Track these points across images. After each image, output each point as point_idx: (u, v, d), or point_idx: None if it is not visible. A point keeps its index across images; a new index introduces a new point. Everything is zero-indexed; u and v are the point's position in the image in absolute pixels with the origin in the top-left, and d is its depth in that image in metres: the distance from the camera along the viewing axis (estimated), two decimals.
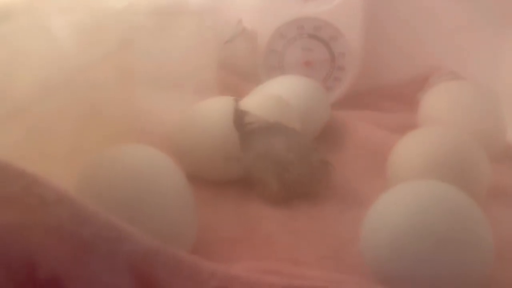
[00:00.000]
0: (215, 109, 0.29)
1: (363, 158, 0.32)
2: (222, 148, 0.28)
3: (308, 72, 0.38)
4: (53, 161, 0.22)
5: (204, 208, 0.25)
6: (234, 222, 0.26)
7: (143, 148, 0.23)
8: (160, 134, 0.30)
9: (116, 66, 0.29)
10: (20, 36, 0.22)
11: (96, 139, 0.26)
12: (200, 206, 0.24)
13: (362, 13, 0.38)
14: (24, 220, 0.15)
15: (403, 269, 0.19)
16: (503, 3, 0.40)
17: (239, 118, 0.28)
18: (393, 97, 0.41)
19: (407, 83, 0.42)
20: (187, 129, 0.30)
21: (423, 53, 0.42)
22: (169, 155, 0.24)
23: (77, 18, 0.26)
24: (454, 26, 0.41)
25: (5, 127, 0.20)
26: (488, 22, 0.41)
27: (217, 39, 0.39)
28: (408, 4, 0.42)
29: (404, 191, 0.21)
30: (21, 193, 0.16)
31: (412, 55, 0.42)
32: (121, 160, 0.22)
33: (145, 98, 0.32)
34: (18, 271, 0.14)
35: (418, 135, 0.27)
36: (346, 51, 0.39)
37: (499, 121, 0.32)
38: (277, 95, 0.31)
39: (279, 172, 0.27)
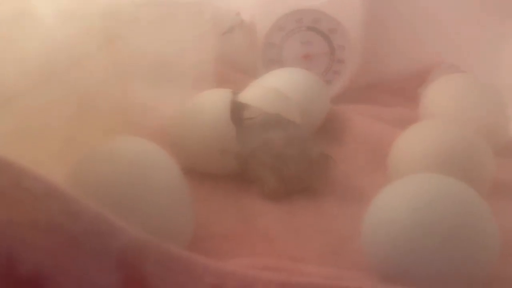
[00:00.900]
0: (211, 101, 0.29)
1: (363, 153, 0.32)
2: (219, 141, 0.27)
3: (307, 65, 0.38)
4: (44, 154, 0.21)
5: (200, 203, 0.24)
6: (231, 217, 0.25)
7: (138, 141, 0.22)
8: (156, 127, 0.30)
9: (110, 58, 0.29)
10: (9, 25, 0.21)
11: (89, 132, 0.25)
12: (196, 200, 0.23)
13: (362, 5, 0.38)
14: (10, 214, 0.14)
15: (406, 264, 0.18)
16: None
17: (236, 110, 0.28)
18: (394, 91, 0.41)
19: (408, 78, 0.41)
20: (183, 122, 0.29)
21: (424, 47, 0.41)
22: (165, 148, 0.23)
23: (69, 7, 0.25)
24: (455, 20, 0.41)
25: None
26: (490, 16, 0.40)
27: (214, 32, 0.39)
28: None
29: (407, 184, 0.20)
30: (7, 187, 0.15)
31: (412, 49, 0.41)
32: (115, 153, 0.21)
33: (140, 91, 0.31)
34: None
35: (420, 129, 0.26)
36: (345, 44, 0.38)
37: (502, 115, 0.31)
38: (276, 88, 0.30)
39: (278, 167, 0.27)
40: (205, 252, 0.19)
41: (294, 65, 0.37)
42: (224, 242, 0.23)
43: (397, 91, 0.41)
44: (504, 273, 0.21)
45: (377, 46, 0.40)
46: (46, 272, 0.14)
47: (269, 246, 0.23)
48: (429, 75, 0.39)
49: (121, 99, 0.29)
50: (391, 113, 0.36)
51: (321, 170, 0.27)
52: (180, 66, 0.34)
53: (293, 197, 0.27)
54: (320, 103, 0.33)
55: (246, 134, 0.27)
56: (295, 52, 0.38)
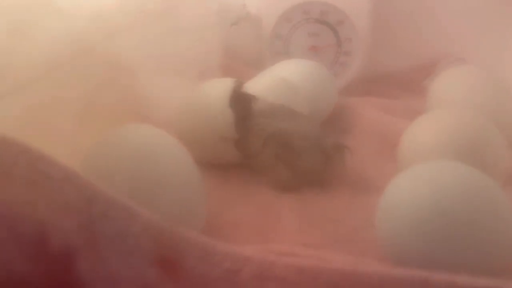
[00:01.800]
0: (213, 90, 0.29)
1: (371, 144, 0.31)
2: (220, 130, 0.27)
3: (314, 57, 0.38)
4: (56, 140, 0.21)
5: (210, 192, 0.24)
6: (242, 206, 0.25)
7: (149, 128, 0.22)
8: (163, 119, 0.29)
9: (120, 48, 0.29)
10: (23, 9, 0.21)
11: (99, 120, 0.25)
12: (208, 189, 0.23)
13: None
14: (30, 196, 0.14)
15: (422, 250, 0.18)
16: None
17: (237, 99, 0.28)
18: (400, 84, 0.41)
19: (414, 70, 0.41)
20: (189, 112, 0.29)
21: (430, 40, 0.41)
22: (175, 138, 0.23)
23: None
24: (462, 13, 0.41)
25: (6, 102, 0.20)
26: (496, 8, 0.40)
27: (221, 24, 0.38)
28: None
29: (424, 171, 0.20)
30: (25, 170, 0.15)
31: (419, 42, 0.41)
32: (127, 140, 0.21)
33: (148, 83, 0.31)
34: (29, 246, 0.13)
35: (431, 117, 0.26)
36: (353, 36, 0.38)
37: (509, 106, 0.31)
38: (284, 78, 0.30)
39: (290, 160, 0.26)
40: (219, 240, 0.18)
41: (301, 57, 0.37)
42: (236, 230, 0.23)
43: (404, 83, 0.41)
44: None
45: (384, 39, 0.40)
46: (73, 249, 0.14)
47: (281, 235, 0.23)
48: (435, 68, 0.39)
49: (130, 92, 0.29)
50: (398, 105, 0.36)
51: (335, 161, 0.27)
52: (186, 58, 0.34)
53: (304, 186, 0.27)
54: (328, 94, 0.33)
55: (252, 123, 0.27)
56: (302, 44, 0.38)
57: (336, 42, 0.38)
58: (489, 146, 0.24)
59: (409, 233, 0.19)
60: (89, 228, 0.15)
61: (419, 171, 0.20)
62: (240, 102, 0.28)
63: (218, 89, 0.29)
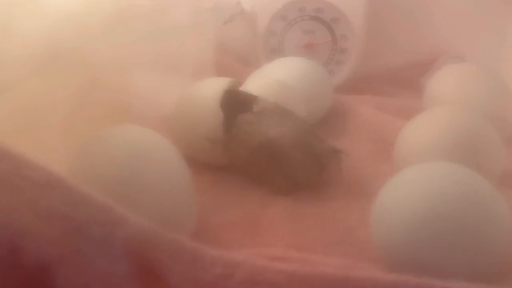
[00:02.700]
0: (206, 90, 0.28)
1: (367, 143, 0.31)
2: (211, 131, 0.27)
3: (309, 55, 0.37)
4: (43, 142, 0.20)
5: (203, 193, 0.24)
6: (234, 208, 0.25)
7: (139, 129, 0.22)
8: (156, 117, 0.29)
9: (110, 46, 0.28)
10: (8, 10, 0.21)
11: (88, 121, 0.24)
12: (200, 191, 0.23)
13: None
14: (12, 201, 0.14)
15: (417, 252, 0.18)
16: None
17: (229, 100, 0.27)
18: (397, 82, 0.40)
19: (411, 68, 0.41)
20: (180, 111, 0.29)
21: (427, 37, 0.41)
22: (167, 138, 0.23)
23: None
24: (458, 10, 0.40)
25: None
26: (494, 5, 0.40)
27: (215, 21, 0.38)
28: None
29: (418, 172, 0.19)
30: (8, 174, 0.15)
31: (415, 39, 0.41)
32: (116, 141, 0.21)
33: (140, 81, 0.30)
34: (1, 258, 0.12)
35: (428, 116, 0.26)
36: (348, 34, 0.37)
37: (507, 105, 0.31)
38: (280, 79, 0.29)
39: (284, 166, 0.26)
40: (209, 243, 0.18)
41: (296, 55, 0.36)
42: (228, 232, 0.23)
43: (400, 81, 0.40)
44: None
45: (380, 36, 0.40)
46: (50, 261, 0.13)
47: (274, 237, 0.23)
48: (432, 65, 0.39)
49: (121, 90, 0.29)
50: (394, 103, 0.36)
51: (331, 166, 0.26)
52: (180, 57, 0.34)
53: (297, 190, 0.26)
54: (324, 93, 0.33)
55: (244, 125, 0.26)
56: (297, 42, 0.38)
57: (331, 39, 0.38)
58: (485, 146, 0.24)
59: (403, 235, 0.18)
60: (74, 235, 0.15)
61: (414, 173, 0.20)
62: (233, 103, 0.27)
63: (211, 88, 0.28)
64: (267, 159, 0.26)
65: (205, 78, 0.31)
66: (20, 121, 0.20)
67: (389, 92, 0.39)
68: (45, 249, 0.13)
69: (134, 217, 0.16)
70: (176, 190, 0.21)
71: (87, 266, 0.15)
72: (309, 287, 0.16)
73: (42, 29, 0.22)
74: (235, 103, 0.27)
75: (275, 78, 0.29)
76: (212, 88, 0.28)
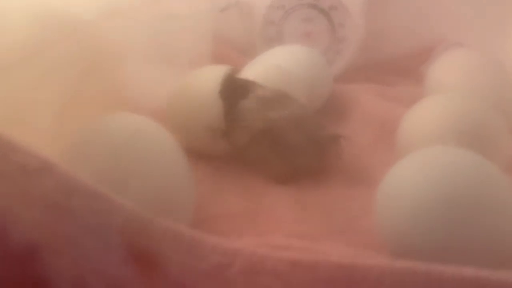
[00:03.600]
0: (204, 78, 0.27)
1: (368, 131, 0.30)
2: (209, 119, 0.26)
3: (307, 44, 0.36)
4: (37, 129, 0.20)
5: (202, 183, 0.23)
6: (233, 197, 0.24)
7: (135, 117, 0.21)
8: (153, 107, 0.28)
9: (108, 34, 0.27)
10: None
11: (82, 110, 0.24)
12: (198, 180, 0.22)
13: None
14: (1, 189, 0.13)
15: (423, 239, 0.17)
16: None
17: (228, 87, 0.26)
18: (396, 70, 0.40)
19: (411, 56, 0.40)
20: (178, 100, 0.28)
21: (426, 25, 0.40)
22: (164, 127, 0.22)
23: None
24: None
25: None
26: None
27: (211, 10, 0.37)
28: None
29: (423, 157, 0.19)
30: None
31: (415, 26, 0.40)
32: (113, 127, 0.20)
33: (136, 71, 0.30)
34: None
35: (430, 102, 0.25)
36: (346, 21, 0.37)
37: (509, 90, 0.30)
38: (279, 65, 0.29)
39: (283, 154, 0.25)
40: (208, 233, 0.17)
41: (294, 44, 0.36)
42: (228, 222, 0.22)
43: (400, 69, 0.40)
44: None
45: (379, 24, 0.39)
46: (42, 251, 0.12)
47: (275, 226, 0.22)
48: (432, 53, 0.38)
49: (117, 80, 0.28)
50: (394, 92, 0.35)
51: (331, 152, 0.26)
52: (176, 45, 0.33)
53: (299, 177, 0.26)
54: (323, 81, 0.32)
55: (245, 112, 0.26)
56: (295, 31, 0.37)
57: (330, 27, 0.37)
58: (490, 132, 0.23)
59: (409, 221, 0.18)
60: (68, 224, 0.14)
61: (419, 157, 0.19)
62: (232, 91, 0.27)
63: (209, 76, 0.27)
64: (268, 144, 0.25)
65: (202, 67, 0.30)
66: (12, 108, 0.20)
67: (390, 80, 0.39)
68: (36, 234, 0.13)
69: (130, 205, 0.15)
70: (173, 178, 0.20)
71: (82, 257, 0.14)
72: (312, 275, 0.15)
73: (34, 13, 0.21)
74: (235, 90, 0.26)
75: (275, 64, 0.29)
76: (211, 75, 0.27)
